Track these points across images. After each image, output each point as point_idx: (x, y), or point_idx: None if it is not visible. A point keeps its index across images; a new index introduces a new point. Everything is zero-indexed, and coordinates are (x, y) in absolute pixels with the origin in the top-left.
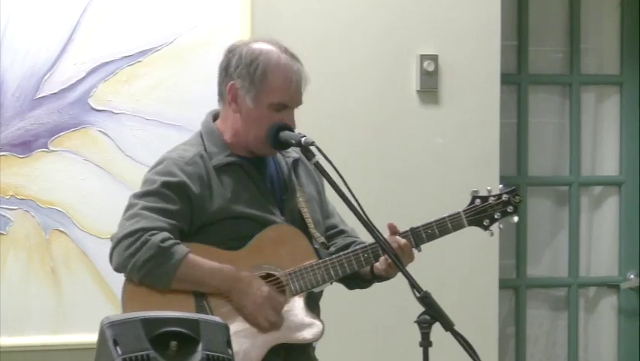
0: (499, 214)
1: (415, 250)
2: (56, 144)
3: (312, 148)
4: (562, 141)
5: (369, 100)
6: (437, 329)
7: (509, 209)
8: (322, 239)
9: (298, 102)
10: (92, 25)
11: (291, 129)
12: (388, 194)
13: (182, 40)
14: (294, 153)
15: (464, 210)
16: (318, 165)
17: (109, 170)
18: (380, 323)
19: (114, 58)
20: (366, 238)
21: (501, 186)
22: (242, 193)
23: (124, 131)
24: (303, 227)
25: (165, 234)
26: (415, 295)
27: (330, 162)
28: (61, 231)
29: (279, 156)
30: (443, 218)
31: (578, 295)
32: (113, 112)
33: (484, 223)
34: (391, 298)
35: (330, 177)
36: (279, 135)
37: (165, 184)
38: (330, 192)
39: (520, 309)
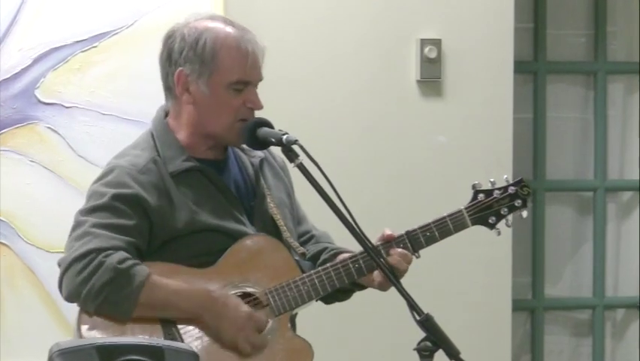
0: (506, 210)
1: (414, 257)
2: None
3: (295, 147)
4: (585, 139)
5: (362, 91)
6: (440, 357)
7: (517, 203)
8: (302, 249)
9: (258, 77)
10: (40, 4)
11: (271, 125)
12: (383, 200)
13: (143, 23)
14: (259, 152)
15: (466, 208)
16: (301, 167)
17: (59, 173)
18: (375, 349)
19: (65, 43)
20: (357, 249)
21: (506, 176)
22: (206, 203)
23: (76, 127)
24: (276, 236)
25: (122, 253)
26: (415, 318)
27: (315, 163)
28: (3, 244)
29: (243, 155)
30: (443, 218)
31: (603, 318)
32: (63, 105)
33: (490, 221)
34: (388, 321)
35: (316, 181)
36: (257, 133)
37: (117, 197)
38: (317, 199)
39: (537, 334)
